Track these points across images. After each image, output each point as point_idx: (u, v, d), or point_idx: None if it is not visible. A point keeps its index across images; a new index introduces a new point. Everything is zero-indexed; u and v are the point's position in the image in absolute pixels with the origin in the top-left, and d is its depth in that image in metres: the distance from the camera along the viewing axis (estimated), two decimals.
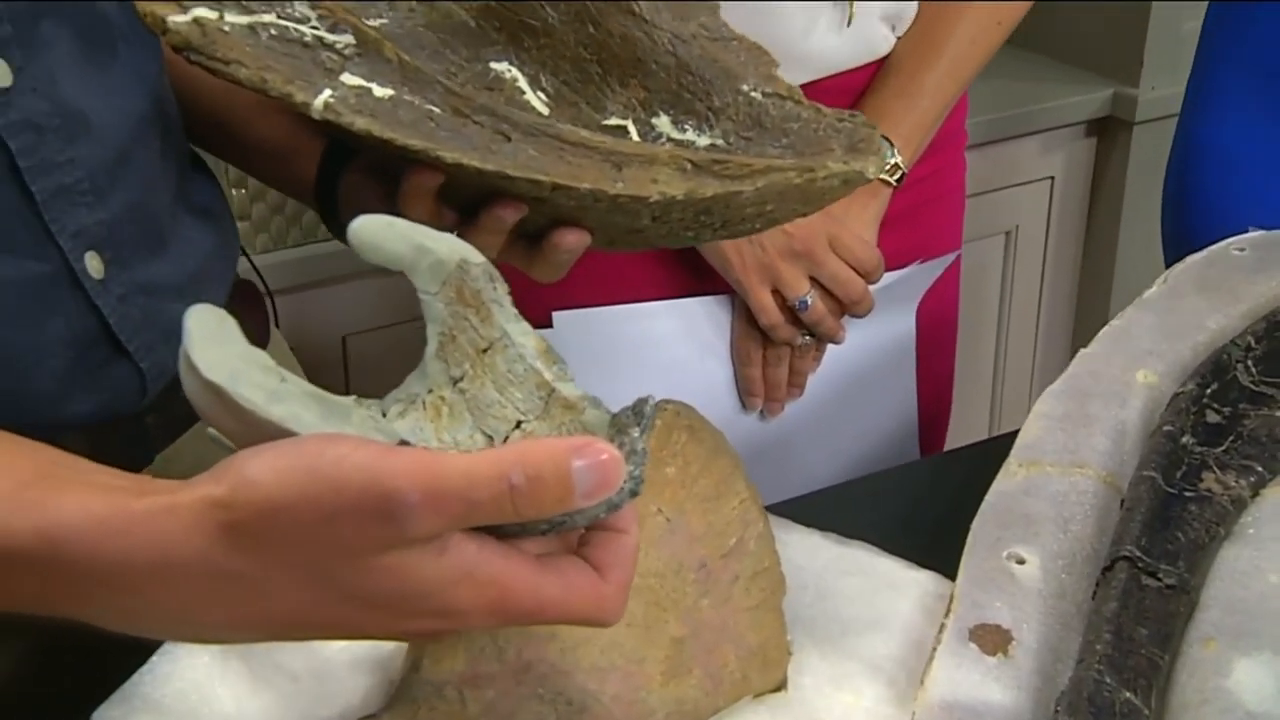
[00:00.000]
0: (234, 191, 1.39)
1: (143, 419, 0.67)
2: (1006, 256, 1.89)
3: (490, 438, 0.49)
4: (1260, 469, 0.68)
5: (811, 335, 1.02)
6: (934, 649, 0.61)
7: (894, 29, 1.03)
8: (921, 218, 1.08)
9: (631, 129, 0.65)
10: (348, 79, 0.57)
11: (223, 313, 0.45)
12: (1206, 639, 0.60)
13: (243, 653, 0.57)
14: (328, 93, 0.55)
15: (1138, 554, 0.62)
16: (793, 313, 0.99)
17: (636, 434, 0.45)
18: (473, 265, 0.49)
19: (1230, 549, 0.65)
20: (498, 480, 0.41)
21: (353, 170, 0.71)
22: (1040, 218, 1.89)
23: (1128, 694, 0.56)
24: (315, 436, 0.43)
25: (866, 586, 0.67)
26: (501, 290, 0.50)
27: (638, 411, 0.46)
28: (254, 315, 0.79)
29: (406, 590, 0.43)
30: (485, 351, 0.49)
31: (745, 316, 1.02)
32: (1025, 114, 1.78)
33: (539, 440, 0.43)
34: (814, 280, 0.98)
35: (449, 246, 0.49)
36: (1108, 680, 0.57)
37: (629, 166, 0.58)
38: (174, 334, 0.65)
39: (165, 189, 0.69)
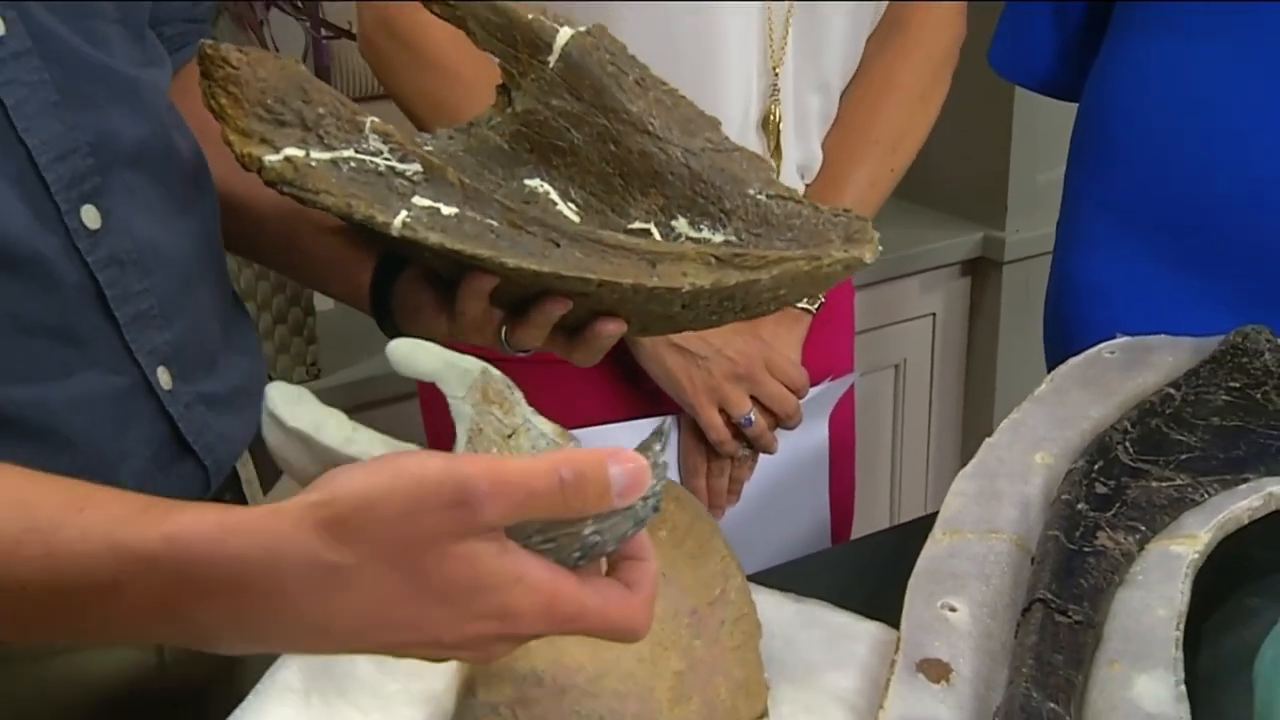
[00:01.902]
0: None
1: None
2: (897, 387, 1.99)
3: None
4: (1143, 529, 0.80)
5: (750, 448, 1.12)
6: (888, 679, 0.70)
7: (803, 177, 1.14)
8: (821, 339, 1.18)
9: (654, 231, 0.71)
10: (418, 200, 0.64)
11: (298, 386, 0.53)
12: (1111, 661, 0.71)
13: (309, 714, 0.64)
14: (404, 214, 0.63)
15: (1050, 596, 0.73)
16: (737, 429, 1.09)
17: (659, 448, 0.51)
18: (493, 373, 0.57)
19: (1124, 592, 0.75)
20: (550, 474, 0.48)
21: (405, 278, 0.77)
22: (925, 350, 2.00)
23: (1052, 705, 0.67)
24: (394, 453, 0.49)
25: (826, 635, 0.76)
26: (519, 395, 0.58)
27: (658, 433, 0.53)
28: None
29: (475, 582, 0.48)
30: (510, 436, 0.56)
31: (691, 433, 1.11)
32: (907, 256, 1.90)
33: (581, 449, 0.51)
34: (753, 399, 1.09)
35: (471, 361, 0.57)
36: (1034, 695, 0.67)
37: (662, 263, 0.66)
38: (227, 439, 0.75)
39: (217, 319, 0.76)
